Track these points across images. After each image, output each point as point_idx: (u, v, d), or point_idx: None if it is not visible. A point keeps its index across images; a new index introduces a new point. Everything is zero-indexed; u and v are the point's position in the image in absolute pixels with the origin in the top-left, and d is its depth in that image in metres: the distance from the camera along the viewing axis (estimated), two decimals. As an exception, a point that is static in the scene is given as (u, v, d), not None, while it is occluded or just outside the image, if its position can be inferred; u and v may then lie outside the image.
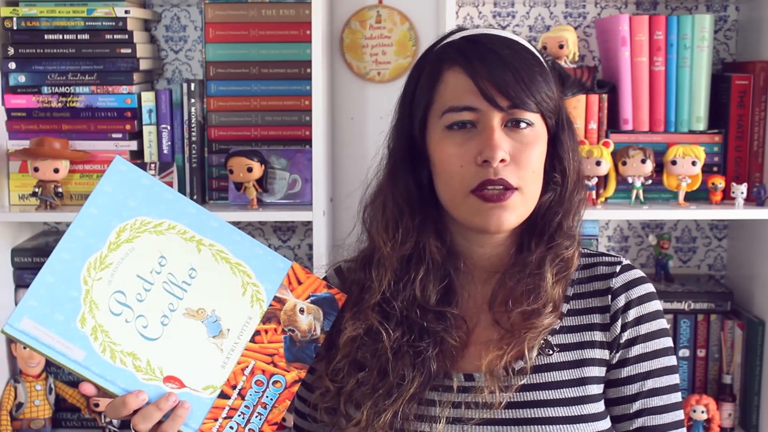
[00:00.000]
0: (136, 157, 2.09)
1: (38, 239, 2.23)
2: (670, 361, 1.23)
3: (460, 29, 1.25)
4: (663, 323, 1.24)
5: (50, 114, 2.07)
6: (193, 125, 2.09)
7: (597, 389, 1.20)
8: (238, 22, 2.11)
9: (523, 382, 1.17)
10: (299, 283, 1.22)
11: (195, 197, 2.08)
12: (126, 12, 2.04)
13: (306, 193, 2.07)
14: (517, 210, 1.17)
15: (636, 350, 1.21)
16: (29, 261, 2.13)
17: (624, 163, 2.02)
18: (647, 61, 2.04)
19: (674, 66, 2.04)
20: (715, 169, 2.07)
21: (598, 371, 1.20)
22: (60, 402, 2.16)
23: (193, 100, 2.08)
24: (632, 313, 1.21)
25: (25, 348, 2.06)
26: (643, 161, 2.02)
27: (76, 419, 2.17)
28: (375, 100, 2.28)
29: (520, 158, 1.16)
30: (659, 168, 2.05)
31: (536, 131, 1.18)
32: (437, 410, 1.18)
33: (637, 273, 1.25)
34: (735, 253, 2.27)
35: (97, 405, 2.10)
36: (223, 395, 1.16)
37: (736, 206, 2.01)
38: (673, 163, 2.01)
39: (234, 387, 1.17)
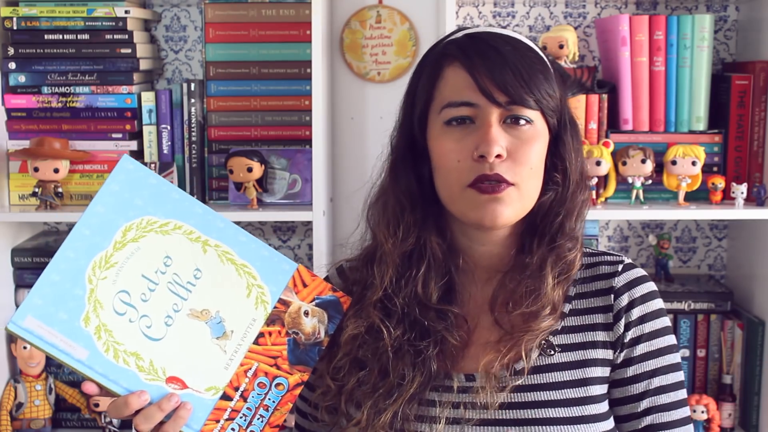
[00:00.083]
0: (136, 157, 2.07)
1: (38, 239, 2.23)
2: (675, 358, 1.23)
3: (464, 28, 1.25)
4: (666, 321, 1.24)
5: (50, 114, 2.07)
6: (193, 125, 2.08)
7: (600, 390, 1.20)
8: (238, 22, 2.10)
9: (520, 383, 1.17)
10: (304, 285, 1.22)
11: (195, 197, 2.07)
12: (126, 12, 2.04)
13: (306, 193, 2.07)
14: (512, 204, 1.17)
15: (641, 349, 1.21)
16: (29, 261, 2.13)
17: (624, 163, 2.03)
18: (647, 61, 2.04)
19: (674, 66, 2.05)
20: (715, 169, 2.08)
21: (602, 371, 1.20)
22: (60, 402, 2.16)
23: (193, 100, 2.08)
24: (636, 312, 1.21)
25: (25, 348, 2.08)
26: (643, 161, 2.02)
27: (76, 419, 2.17)
28: (375, 100, 2.28)
29: (518, 155, 1.16)
30: (659, 168, 2.05)
31: (536, 129, 1.18)
32: (437, 410, 1.18)
33: (640, 272, 1.25)
34: (735, 253, 2.27)
35: (97, 405, 2.10)
36: (225, 397, 1.16)
37: (736, 206, 2.01)
38: (673, 163, 2.02)
39: (236, 389, 1.17)
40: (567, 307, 1.22)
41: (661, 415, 1.21)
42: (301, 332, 1.20)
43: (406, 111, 1.26)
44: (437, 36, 1.28)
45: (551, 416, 1.16)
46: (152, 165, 2.05)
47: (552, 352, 1.19)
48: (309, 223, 2.12)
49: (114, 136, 2.08)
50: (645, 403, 1.21)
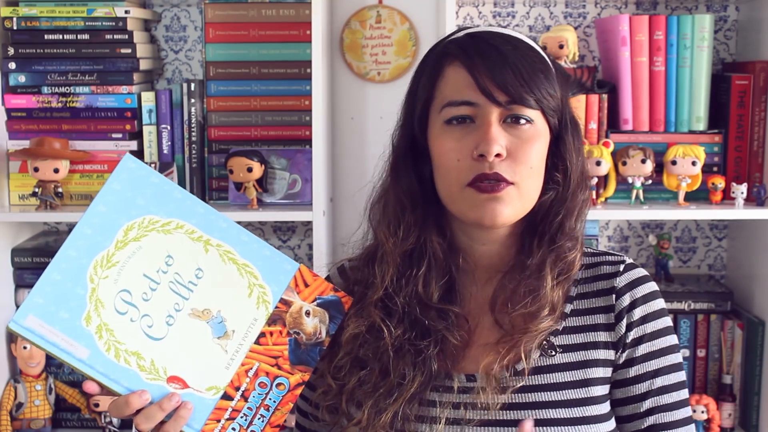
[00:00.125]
0: (136, 157, 2.07)
1: (38, 239, 2.23)
2: (677, 358, 1.23)
3: (466, 28, 1.25)
4: (668, 321, 1.24)
5: (50, 114, 2.07)
6: (193, 125, 2.08)
7: (601, 390, 1.20)
8: (238, 22, 2.10)
9: (520, 384, 1.17)
10: (306, 285, 1.22)
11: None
12: (126, 12, 2.04)
13: (306, 193, 2.07)
14: (512, 203, 1.17)
15: (643, 349, 1.21)
16: (29, 261, 2.13)
17: (624, 163, 2.03)
18: (647, 61, 2.04)
19: (674, 66, 2.05)
20: (715, 169, 2.08)
21: (603, 372, 1.20)
22: (60, 402, 2.16)
23: (193, 100, 2.08)
24: (637, 312, 1.21)
25: (25, 348, 2.08)
26: (643, 161, 2.02)
27: (76, 419, 2.17)
28: (375, 100, 2.28)
29: (518, 154, 1.16)
30: (659, 168, 2.05)
31: (536, 128, 1.18)
32: (438, 411, 1.18)
33: (641, 272, 1.25)
34: (735, 253, 2.27)
35: (97, 405, 2.10)
36: (226, 396, 1.16)
37: (736, 206, 2.01)
38: (673, 163, 2.02)
39: (237, 388, 1.17)
40: (568, 308, 1.22)
41: (664, 415, 1.21)
42: (302, 332, 1.20)
43: (407, 110, 1.26)
44: (437, 36, 1.28)
45: (552, 417, 1.16)
46: (152, 165, 2.05)
47: (553, 353, 1.19)
48: (309, 223, 2.12)
49: (114, 136, 2.08)
50: (648, 404, 1.20)
